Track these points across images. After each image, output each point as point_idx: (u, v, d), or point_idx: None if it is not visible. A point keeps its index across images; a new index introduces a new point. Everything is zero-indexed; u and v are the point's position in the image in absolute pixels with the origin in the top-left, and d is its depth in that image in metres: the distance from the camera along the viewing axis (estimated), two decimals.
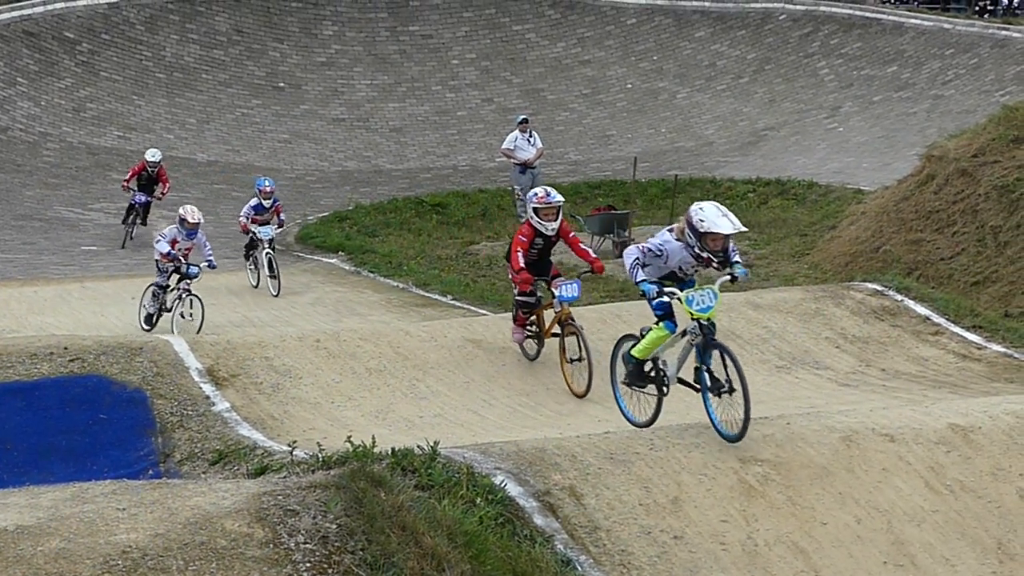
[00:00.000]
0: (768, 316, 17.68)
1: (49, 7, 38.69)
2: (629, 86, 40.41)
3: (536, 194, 16.30)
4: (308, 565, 9.24)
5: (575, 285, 16.11)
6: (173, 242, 22.52)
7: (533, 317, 16.49)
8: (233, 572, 9.09)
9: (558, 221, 16.12)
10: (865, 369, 16.68)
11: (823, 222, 26.99)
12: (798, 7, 41.19)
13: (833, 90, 38.46)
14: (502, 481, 11.05)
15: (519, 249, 16.15)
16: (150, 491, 10.04)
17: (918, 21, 39.56)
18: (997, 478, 12.03)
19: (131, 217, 30.16)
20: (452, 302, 23.80)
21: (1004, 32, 37.63)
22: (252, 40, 40.51)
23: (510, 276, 16.55)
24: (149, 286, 22.71)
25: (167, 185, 30.53)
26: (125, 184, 30.50)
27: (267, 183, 26.39)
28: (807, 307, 17.97)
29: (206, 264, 22.77)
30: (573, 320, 16.07)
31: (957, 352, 17.10)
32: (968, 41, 37.76)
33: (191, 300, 22.03)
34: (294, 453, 12.18)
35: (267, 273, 25.01)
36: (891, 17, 39.99)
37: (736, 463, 11.78)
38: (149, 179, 30.36)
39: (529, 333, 16.57)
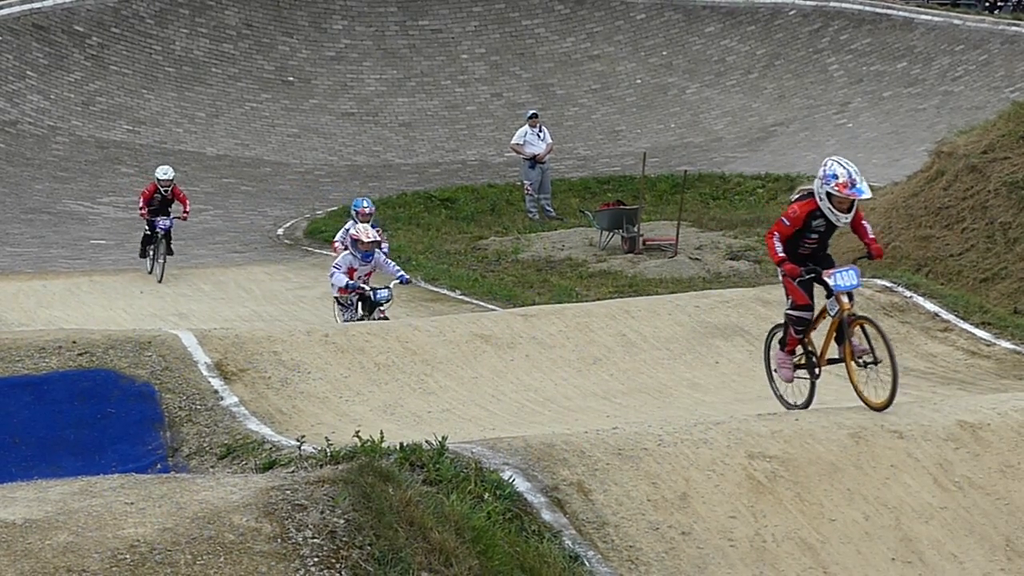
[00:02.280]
0: (777, 312, 17.60)
1: (59, 1, 38.71)
2: (638, 81, 40.38)
3: (836, 177, 12.63)
4: (316, 560, 9.24)
5: (852, 272, 12.90)
6: (351, 271, 19.69)
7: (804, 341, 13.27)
8: (241, 567, 9.10)
9: (852, 214, 12.79)
10: (874, 365, 16.63)
11: None
12: (808, 3, 41.15)
13: (843, 86, 38.43)
14: (510, 476, 11.05)
15: (777, 233, 12.87)
16: (158, 485, 10.05)
17: (928, 17, 39.51)
18: (1006, 475, 12.02)
19: (152, 248, 25.81)
20: (461, 297, 23.79)
21: (1014, 28, 37.58)
22: (261, 34, 40.52)
23: (781, 277, 13.27)
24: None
25: (187, 204, 26.55)
26: (143, 213, 26.07)
27: (365, 204, 22.58)
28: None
29: (397, 280, 19.89)
30: (858, 314, 13.00)
31: (966, 349, 17.08)
32: (978, 37, 37.72)
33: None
34: (302, 448, 12.19)
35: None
36: (901, 13, 39.93)
37: (744, 459, 11.77)
38: (163, 200, 26.05)
39: (800, 363, 13.32)
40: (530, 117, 31.46)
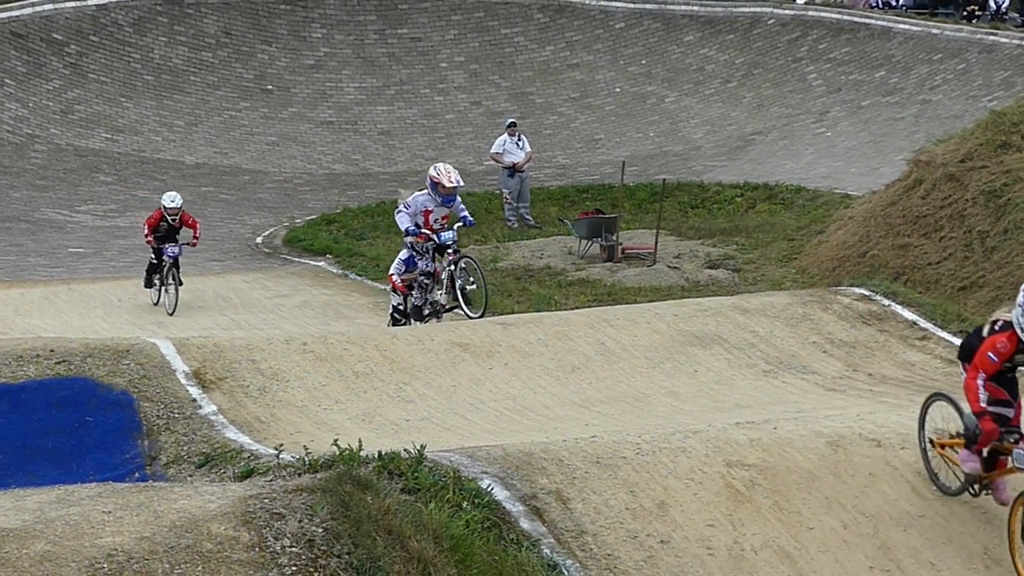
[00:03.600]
0: (755, 320, 17.69)
1: (37, 8, 38.62)
2: (617, 90, 40.40)
3: None
4: (294, 569, 9.23)
5: None
6: (426, 212, 18.92)
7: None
8: (219, 575, 9.08)
9: None
10: (852, 374, 16.67)
11: (811, 227, 27.00)
12: (787, 11, 41.23)
13: (821, 95, 38.49)
14: (489, 485, 11.05)
15: (982, 374, 11.33)
16: (136, 494, 10.03)
17: (906, 26, 39.59)
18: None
19: (159, 278, 24.01)
20: None
21: (992, 37, 37.68)
22: (240, 42, 40.46)
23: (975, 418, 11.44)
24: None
25: (197, 228, 24.61)
26: (149, 241, 24.18)
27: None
28: (794, 312, 17.97)
29: (460, 223, 19.11)
30: None
31: (944, 357, 17.09)
32: (956, 46, 37.82)
33: (463, 264, 18.78)
34: (280, 456, 12.16)
35: None
36: (879, 22, 40.02)
37: (723, 468, 11.78)
38: (170, 228, 24.33)
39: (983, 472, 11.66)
40: (509, 126, 31.48)
